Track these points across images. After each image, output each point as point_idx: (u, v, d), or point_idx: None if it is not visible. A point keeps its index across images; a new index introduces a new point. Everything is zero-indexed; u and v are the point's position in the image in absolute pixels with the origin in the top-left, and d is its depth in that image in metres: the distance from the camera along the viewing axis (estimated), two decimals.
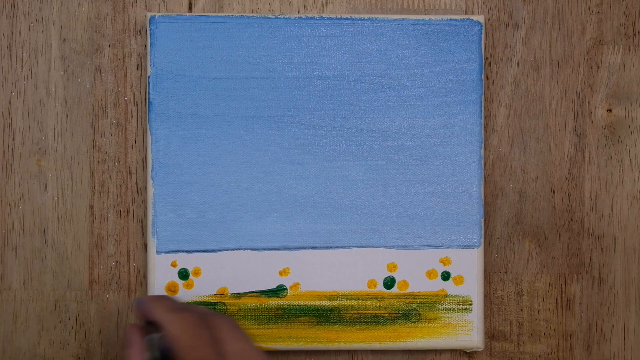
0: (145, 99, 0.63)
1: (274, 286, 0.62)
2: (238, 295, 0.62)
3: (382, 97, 0.62)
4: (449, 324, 0.62)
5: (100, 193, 0.63)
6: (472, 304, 0.62)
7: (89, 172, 0.63)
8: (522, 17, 0.64)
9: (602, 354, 0.64)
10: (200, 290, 0.62)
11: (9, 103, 0.63)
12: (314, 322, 0.62)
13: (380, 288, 0.62)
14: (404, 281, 0.62)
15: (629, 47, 0.65)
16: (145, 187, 0.63)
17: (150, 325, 0.54)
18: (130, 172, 0.63)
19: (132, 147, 0.63)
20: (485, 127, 0.64)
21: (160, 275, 0.61)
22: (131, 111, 0.63)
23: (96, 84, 0.63)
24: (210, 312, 0.54)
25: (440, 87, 0.62)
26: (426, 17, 0.62)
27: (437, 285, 0.62)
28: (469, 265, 0.62)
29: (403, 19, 0.62)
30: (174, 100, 0.62)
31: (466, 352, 0.64)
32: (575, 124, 0.65)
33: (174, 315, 0.52)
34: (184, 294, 0.62)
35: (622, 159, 0.65)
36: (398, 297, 0.62)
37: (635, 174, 0.65)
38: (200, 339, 0.51)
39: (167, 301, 0.54)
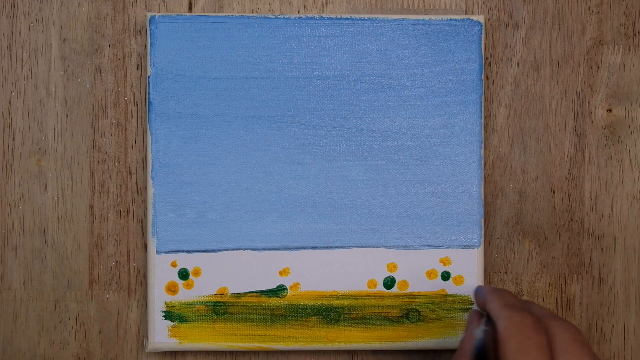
0: (145, 99, 0.63)
1: (274, 286, 0.62)
2: (238, 295, 0.62)
3: (382, 97, 0.62)
4: (449, 324, 0.62)
5: (100, 193, 0.63)
6: (472, 304, 0.62)
7: (89, 172, 0.63)
8: (522, 17, 0.64)
9: (602, 354, 0.64)
10: (200, 290, 0.62)
11: (9, 103, 0.63)
12: (314, 322, 0.62)
13: (380, 288, 0.62)
14: (404, 281, 0.62)
15: (629, 47, 0.65)
16: (145, 187, 0.63)
17: (488, 316, 0.53)
18: (130, 172, 0.63)
19: (132, 147, 0.63)
20: (485, 127, 0.64)
21: (160, 275, 0.61)
22: (131, 111, 0.63)
23: (96, 84, 0.63)
24: (554, 316, 0.51)
25: (440, 87, 0.62)
26: (426, 17, 0.62)
27: (437, 285, 0.62)
28: (469, 265, 0.62)
29: (403, 19, 0.62)
30: (174, 100, 0.62)
31: None
32: (575, 124, 0.65)
33: (509, 313, 0.50)
34: (184, 294, 0.62)
35: (622, 159, 0.65)
36: (398, 297, 0.62)
37: (635, 174, 0.65)
38: (532, 343, 0.48)
39: (506, 295, 0.52)
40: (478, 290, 0.56)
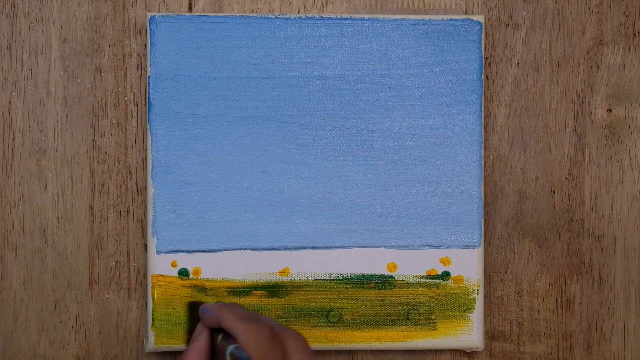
0: (145, 99, 0.63)
1: (273, 286, 0.62)
2: (237, 295, 0.62)
3: (382, 97, 0.62)
4: (449, 323, 0.62)
5: (100, 193, 0.63)
6: (472, 301, 0.62)
7: (89, 172, 0.63)
8: (522, 17, 0.64)
9: (602, 354, 0.64)
10: (200, 290, 0.62)
11: (9, 103, 0.63)
12: (314, 322, 0.62)
13: (380, 288, 0.62)
14: (404, 281, 0.62)
15: (629, 47, 0.65)
16: (145, 187, 0.63)
17: (218, 332, 0.53)
18: (130, 172, 0.63)
19: (132, 147, 0.63)
20: (485, 127, 0.64)
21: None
22: (131, 111, 0.63)
23: (96, 84, 0.63)
24: (280, 325, 0.53)
25: (440, 87, 0.62)
26: (426, 17, 0.62)
27: (437, 285, 0.62)
28: (469, 265, 0.62)
29: (403, 19, 0.62)
30: (174, 100, 0.62)
31: (466, 352, 0.64)
32: (575, 124, 0.65)
33: (247, 326, 0.51)
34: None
35: (622, 159, 0.65)
36: (398, 297, 0.62)
37: (635, 174, 0.65)
38: (273, 355, 0.50)
39: (236, 308, 0.53)
40: (205, 310, 0.54)
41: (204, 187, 0.62)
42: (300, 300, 0.62)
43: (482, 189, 0.62)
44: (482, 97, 0.63)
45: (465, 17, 0.62)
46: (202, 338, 0.54)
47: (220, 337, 0.53)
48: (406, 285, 0.62)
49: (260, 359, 0.50)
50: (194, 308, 0.60)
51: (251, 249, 0.62)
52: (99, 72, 0.63)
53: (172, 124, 0.62)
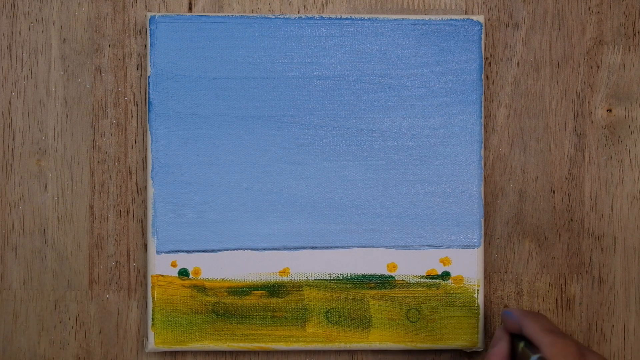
0: (145, 99, 0.63)
1: (273, 286, 0.62)
2: (238, 295, 0.62)
3: (382, 97, 0.62)
4: (448, 324, 0.62)
5: (100, 193, 0.63)
6: (473, 306, 0.62)
7: (89, 172, 0.63)
8: (522, 17, 0.64)
9: (602, 354, 0.64)
10: (200, 290, 0.62)
11: (9, 103, 0.63)
12: (314, 322, 0.62)
13: (380, 288, 0.62)
14: (404, 281, 0.62)
15: (629, 47, 0.65)
16: (145, 187, 0.63)
17: (519, 338, 0.55)
18: (130, 172, 0.63)
19: (132, 147, 0.63)
20: (485, 127, 0.64)
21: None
22: (131, 111, 0.63)
23: (96, 84, 0.63)
24: (583, 346, 0.53)
25: (440, 87, 0.62)
26: (426, 17, 0.62)
27: (437, 285, 0.62)
28: (469, 265, 0.62)
29: (403, 19, 0.62)
30: (174, 100, 0.62)
31: (466, 352, 0.64)
32: (575, 124, 0.65)
33: (554, 339, 0.51)
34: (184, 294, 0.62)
35: (622, 159, 0.65)
36: (398, 297, 0.62)
37: (635, 174, 0.65)
38: None
39: (542, 319, 0.54)
40: (508, 314, 0.57)
41: (204, 187, 0.62)
42: (300, 300, 0.62)
43: (482, 189, 0.62)
44: (482, 97, 0.63)
45: (465, 17, 0.62)
46: (503, 344, 0.55)
47: (521, 345, 0.54)
48: (406, 285, 0.62)
49: None
50: None
51: (251, 249, 0.62)
52: (99, 72, 0.63)
53: (172, 124, 0.62)
